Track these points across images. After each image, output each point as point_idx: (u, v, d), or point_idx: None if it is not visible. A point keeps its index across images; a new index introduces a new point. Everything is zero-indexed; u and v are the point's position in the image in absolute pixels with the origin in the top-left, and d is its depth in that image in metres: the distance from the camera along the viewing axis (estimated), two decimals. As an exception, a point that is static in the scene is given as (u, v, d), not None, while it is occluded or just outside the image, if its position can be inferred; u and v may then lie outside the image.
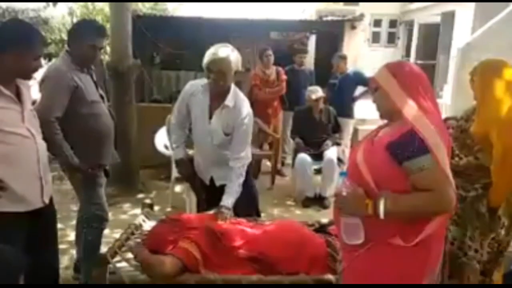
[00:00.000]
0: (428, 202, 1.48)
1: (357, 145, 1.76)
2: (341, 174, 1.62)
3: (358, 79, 5.62)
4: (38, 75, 2.41)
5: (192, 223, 2.36)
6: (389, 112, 1.62)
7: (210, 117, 2.69)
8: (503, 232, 2.35)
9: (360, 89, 5.78)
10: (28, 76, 2.12)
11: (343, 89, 5.58)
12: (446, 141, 1.55)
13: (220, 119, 2.68)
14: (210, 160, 2.80)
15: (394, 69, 1.62)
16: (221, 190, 2.66)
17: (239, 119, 2.66)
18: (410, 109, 1.53)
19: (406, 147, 1.48)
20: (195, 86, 2.77)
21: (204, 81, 2.74)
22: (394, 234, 1.54)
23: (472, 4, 8.68)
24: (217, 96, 2.67)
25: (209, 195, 2.88)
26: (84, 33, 2.63)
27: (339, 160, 4.83)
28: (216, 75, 2.56)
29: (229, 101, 2.66)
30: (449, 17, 9.67)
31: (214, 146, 2.72)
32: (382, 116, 1.69)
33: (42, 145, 2.14)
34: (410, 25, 11.66)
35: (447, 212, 1.56)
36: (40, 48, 2.10)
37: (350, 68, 5.85)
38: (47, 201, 2.17)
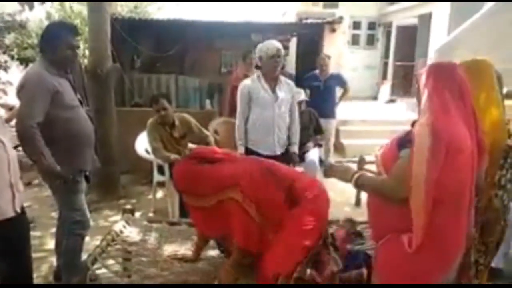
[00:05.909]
0: (382, 185, 1.71)
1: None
2: None
3: (339, 81, 5.79)
4: (15, 80, 2.35)
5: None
6: None
7: (273, 92, 3.33)
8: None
9: (339, 91, 5.92)
10: None
11: (326, 91, 5.66)
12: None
13: (282, 91, 3.36)
14: (275, 127, 3.36)
15: (431, 71, 1.72)
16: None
17: (294, 89, 3.49)
18: (422, 114, 1.65)
19: (403, 138, 1.69)
20: (247, 83, 3.38)
21: (247, 79, 3.43)
22: (402, 229, 1.63)
23: (448, 6, 8.87)
24: (269, 79, 3.33)
25: None
26: (58, 34, 2.59)
27: (321, 161, 4.86)
28: (279, 59, 3.28)
29: (281, 78, 3.39)
30: (426, 19, 9.85)
31: (277, 115, 3.34)
32: None
33: (12, 152, 2.08)
34: (388, 27, 11.83)
35: (392, 198, 1.65)
36: None
37: (331, 70, 5.94)
38: (18, 210, 2.10)
